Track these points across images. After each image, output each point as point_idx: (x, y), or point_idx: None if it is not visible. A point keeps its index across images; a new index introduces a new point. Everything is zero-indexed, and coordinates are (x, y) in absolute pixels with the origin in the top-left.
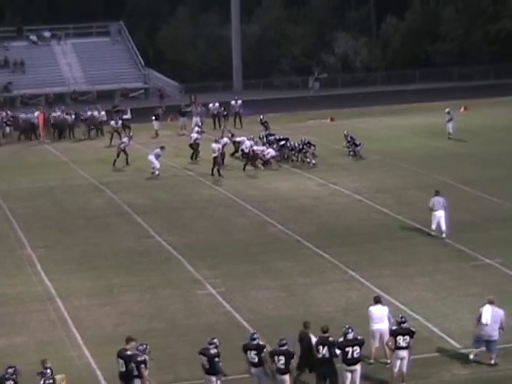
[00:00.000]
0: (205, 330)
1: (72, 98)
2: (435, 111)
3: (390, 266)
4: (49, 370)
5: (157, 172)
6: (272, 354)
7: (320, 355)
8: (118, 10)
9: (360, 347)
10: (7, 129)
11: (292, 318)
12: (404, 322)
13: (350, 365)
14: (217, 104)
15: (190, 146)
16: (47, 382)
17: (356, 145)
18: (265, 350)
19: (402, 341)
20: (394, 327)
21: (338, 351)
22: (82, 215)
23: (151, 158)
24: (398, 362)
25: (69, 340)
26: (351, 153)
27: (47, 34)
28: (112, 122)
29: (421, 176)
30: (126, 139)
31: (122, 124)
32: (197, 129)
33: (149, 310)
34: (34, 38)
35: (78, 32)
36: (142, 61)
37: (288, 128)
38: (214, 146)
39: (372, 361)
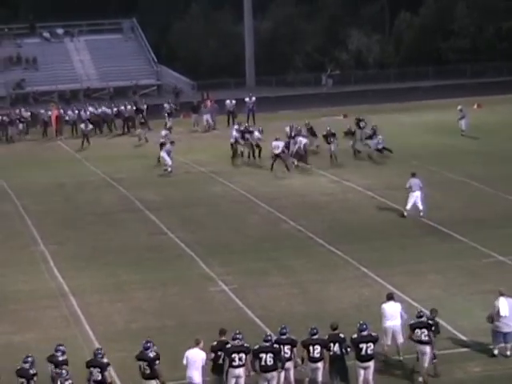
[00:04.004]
0: (216, 327)
1: (85, 94)
2: (448, 108)
3: (402, 262)
4: (64, 371)
5: (169, 169)
6: (307, 344)
7: (331, 352)
8: (131, 7)
9: (374, 344)
10: (20, 126)
11: (305, 314)
12: (421, 317)
13: (363, 361)
14: (233, 101)
15: (232, 145)
16: (66, 383)
17: (370, 136)
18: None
19: (420, 334)
20: (411, 321)
21: (348, 348)
22: (94, 211)
23: (163, 154)
24: (421, 356)
25: (81, 336)
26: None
27: (60, 30)
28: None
29: (433, 173)
30: (163, 132)
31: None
32: (236, 126)
33: (160, 307)
34: (46, 34)
35: (91, 29)
36: (154, 57)
37: (301, 125)
38: (275, 143)
39: (384, 358)
